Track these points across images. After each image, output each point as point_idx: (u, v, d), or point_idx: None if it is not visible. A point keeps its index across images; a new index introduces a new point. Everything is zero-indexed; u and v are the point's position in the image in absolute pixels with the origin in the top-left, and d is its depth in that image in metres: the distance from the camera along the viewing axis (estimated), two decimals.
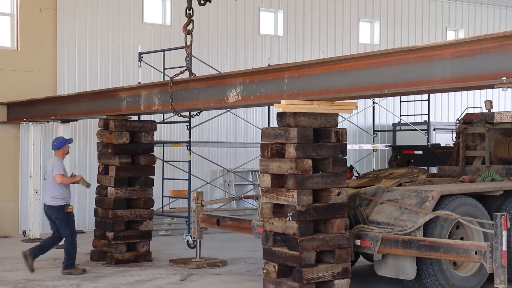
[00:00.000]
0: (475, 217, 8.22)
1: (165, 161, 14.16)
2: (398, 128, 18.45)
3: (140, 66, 13.97)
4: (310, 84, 7.51)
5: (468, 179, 9.74)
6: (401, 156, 14.38)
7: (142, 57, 13.92)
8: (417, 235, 7.80)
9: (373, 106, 17.36)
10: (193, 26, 9.80)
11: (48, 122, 14.11)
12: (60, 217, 9.84)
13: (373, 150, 16.86)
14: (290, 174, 7.55)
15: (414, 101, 18.19)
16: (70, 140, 10.42)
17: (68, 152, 10.48)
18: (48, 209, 9.95)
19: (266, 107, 15.21)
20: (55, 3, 14.90)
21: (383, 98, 16.29)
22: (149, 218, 10.98)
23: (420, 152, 15.03)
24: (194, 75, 9.87)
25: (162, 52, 13.88)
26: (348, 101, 7.98)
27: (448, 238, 8.08)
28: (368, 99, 16.79)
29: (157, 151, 12.87)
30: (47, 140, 14.44)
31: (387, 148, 17.33)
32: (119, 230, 10.68)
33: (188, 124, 13.04)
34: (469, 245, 7.14)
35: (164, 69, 13.55)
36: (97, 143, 11.22)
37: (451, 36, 20.72)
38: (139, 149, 10.97)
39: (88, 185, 10.34)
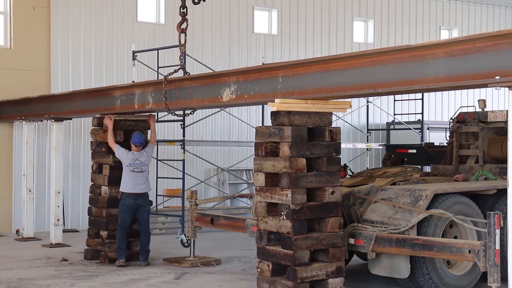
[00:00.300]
0: (468, 216, 8.24)
1: (159, 160, 14.14)
2: (392, 127, 18.49)
3: (134, 64, 13.95)
4: (304, 83, 7.51)
5: (462, 178, 9.76)
6: (395, 155, 14.40)
7: (136, 55, 13.89)
8: (411, 234, 7.82)
9: (367, 105, 17.38)
10: (187, 25, 9.78)
11: (41, 121, 14.08)
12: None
13: (367, 149, 16.89)
14: (284, 173, 7.56)
15: (408, 100, 18.23)
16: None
17: None
18: (143, 199, 10.44)
19: (260, 106, 15.20)
20: (49, 1, 14.87)
21: (377, 97, 16.32)
22: None
23: (414, 151, 15.07)
24: (188, 74, 9.86)
25: (156, 51, 13.87)
26: (342, 100, 7.99)
27: (442, 237, 8.09)
28: (362, 98, 16.81)
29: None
30: (40, 138, 14.41)
31: (381, 147, 17.36)
32: (113, 229, 10.66)
33: (182, 123, 13.03)
34: (462, 243, 7.16)
35: (158, 67, 13.54)
36: (91, 141, 11.19)
37: (444, 35, 20.76)
38: None
39: None
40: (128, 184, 10.32)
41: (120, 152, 10.40)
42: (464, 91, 20.21)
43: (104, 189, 10.77)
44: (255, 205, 8.54)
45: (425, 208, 8.01)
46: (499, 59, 5.81)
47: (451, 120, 11.71)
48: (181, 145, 13.14)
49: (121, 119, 10.75)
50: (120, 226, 10.35)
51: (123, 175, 10.39)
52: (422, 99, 17.20)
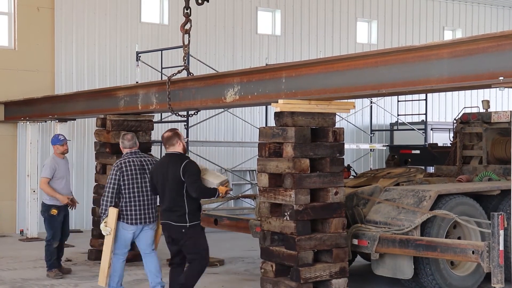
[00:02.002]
0: (472, 217, 8.23)
1: None
2: (395, 127, 18.48)
3: (138, 65, 13.97)
4: (308, 83, 7.52)
5: (466, 178, 9.76)
6: (399, 156, 14.41)
7: (140, 56, 13.92)
8: (415, 235, 7.81)
9: (371, 106, 17.38)
10: (191, 26, 9.79)
11: (45, 121, 14.10)
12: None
13: (371, 149, 16.89)
14: (287, 174, 7.56)
15: (412, 100, 18.21)
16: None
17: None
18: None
19: (264, 107, 15.23)
20: (53, 2, 14.90)
21: (380, 97, 16.31)
22: None
23: (418, 151, 15.07)
24: (191, 74, 9.87)
25: (160, 52, 13.89)
26: (346, 100, 7.99)
27: (446, 237, 8.09)
28: (366, 99, 16.81)
29: (155, 150, 12.89)
30: (44, 139, 14.43)
31: (385, 148, 17.36)
32: None
33: (185, 123, 13.04)
34: (466, 244, 7.15)
35: (162, 68, 13.56)
36: (95, 142, 11.21)
37: (448, 36, 20.75)
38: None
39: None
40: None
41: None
42: (468, 92, 20.19)
43: None
44: (258, 206, 8.54)
45: (429, 208, 8.00)
46: (502, 60, 5.81)
47: (454, 121, 11.70)
48: None
49: (124, 120, 10.76)
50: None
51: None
52: (426, 99, 17.19)
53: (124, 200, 7.85)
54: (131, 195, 7.84)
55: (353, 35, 18.99)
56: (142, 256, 8.23)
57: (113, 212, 7.79)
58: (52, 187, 9.65)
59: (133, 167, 7.92)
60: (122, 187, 7.85)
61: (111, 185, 7.82)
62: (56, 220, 9.73)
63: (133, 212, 7.85)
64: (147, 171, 7.94)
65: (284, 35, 17.81)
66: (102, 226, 7.82)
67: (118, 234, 7.87)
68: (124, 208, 7.86)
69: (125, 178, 7.86)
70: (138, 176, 7.93)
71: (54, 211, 9.64)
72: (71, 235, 13.29)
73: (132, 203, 7.84)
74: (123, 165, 7.92)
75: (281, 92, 7.77)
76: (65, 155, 10.09)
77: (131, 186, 7.86)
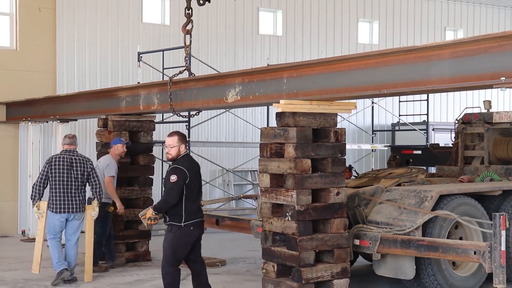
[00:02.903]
0: (474, 217, 8.23)
1: (164, 161, 14.15)
2: (397, 128, 18.47)
3: (139, 66, 13.98)
4: (309, 84, 7.52)
5: (467, 179, 9.75)
6: (400, 156, 14.40)
7: (141, 57, 13.92)
8: (416, 235, 7.80)
9: (372, 106, 17.38)
10: (192, 26, 9.80)
11: (47, 122, 14.11)
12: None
13: (372, 150, 16.88)
14: (289, 174, 7.56)
15: (413, 101, 18.21)
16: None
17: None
18: None
19: (265, 107, 15.23)
20: (54, 3, 14.91)
21: (382, 98, 16.30)
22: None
23: (419, 152, 15.05)
24: (193, 75, 9.87)
25: (161, 52, 13.89)
26: (347, 101, 7.99)
27: (447, 238, 8.08)
28: (367, 99, 16.81)
29: (156, 151, 12.89)
30: (46, 140, 14.44)
31: (386, 148, 17.35)
32: (118, 230, 10.68)
33: (187, 124, 13.05)
34: (468, 245, 7.15)
35: (163, 69, 13.56)
36: (96, 142, 11.22)
37: (450, 36, 20.74)
38: (138, 149, 10.97)
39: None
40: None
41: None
42: (470, 92, 20.20)
43: None
44: (260, 206, 8.54)
45: (430, 209, 8.00)
46: (504, 60, 5.81)
47: (456, 121, 11.70)
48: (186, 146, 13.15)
49: (126, 120, 10.77)
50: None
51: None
52: (427, 100, 17.18)
53: (50, 190, 9.07)
54: (56, 186, 9.02)
55: (354, 36, 18.99)
56: (65, 241, 9.31)
57: (44, 203, 9.11)
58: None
59: (61, 163, 9.11)
60: (50, 179, 9.08)
61: (41, 176, 9.15)
62: (110, 217, 10.15)
63: (58, 202, 9.04)
64: (75, 168, 9.11)
65: (285, 35, 17.81)
66: (34, 209, 9.14)
67: (47, 221, 9.14)
68: (51, 198, 9.08)
69: (52, 171, 9.09)
70: (65, 171, 9.09)
71: (111, 208, 10.08)
72: None
73: (57, 194, 9.04)
74: (52, 160, 9.17)
75: (282, 92, 7.77)
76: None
77: (57, 179, 9.05)
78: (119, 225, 10.70)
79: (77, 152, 9.37)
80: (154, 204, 7.86)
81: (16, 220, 14.49)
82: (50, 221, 9.14)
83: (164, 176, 7.56)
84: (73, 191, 9.07)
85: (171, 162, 7.55)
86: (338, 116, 8.09)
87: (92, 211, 9.25)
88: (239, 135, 16.84)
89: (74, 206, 9.08)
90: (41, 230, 9.25)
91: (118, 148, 10.29)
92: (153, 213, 7.47)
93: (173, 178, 7.26)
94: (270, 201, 7.85)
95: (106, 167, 10.08)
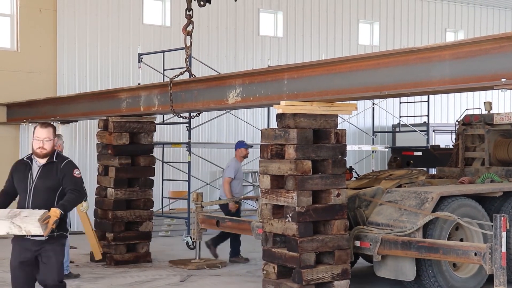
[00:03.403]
0: (474, 219, 8.22)
1: (165, 162, 14.16)
2: (397, 129, 18.46)
3: (140, 67, 13.97)
4: (310, 85, 7.52)
5: (468, 180, 9.75)
6: (401, 158, 14.39)
7: (142, 58, 13.92)
8: (417, 236, 7.80)
9: (373, 107, 17.36)
10: (193, 27, 9.79)
11: None
12: None
13: (373, 151, 16.88)
14: (289, 175, 7.56)
15: (414, 102, 18.19)
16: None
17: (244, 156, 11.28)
18: None
19: (266, 108, 15.21)
20: (55, 4, 14.92)
21: (382, 99, 16.30)
22: (148, 219, 10.98)
23: (420, 153, 15.05)
24: (193, 76, 9.87)
25: (162, 53, 13.89)
26: (348, 102, 7.99)
27: (448, 239, 8.08)
28: (368, 100, 16.80)
29: (157, 152, 12.89)
30: None
31: (387, 150, 17.34)
32: (119, 231, 10.68)
33: (187, 125, 13.04)
34: (468, 246, 7.15)
35: (164, 70, 13.55)
36: (97, 144, 11.22)
37: (450, 38, 20.73)
38: (139, 150, 10.97)
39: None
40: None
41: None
42: (470, 94, 20.16)
43: (110, 191, 10.79)
44: (260, 207, 8.54)
45: (431, 210, 8.00)
46: (505, 61, 5.81)
47: (457, 123, 11.69)
48: (186, 147, 13.15)
49: (126, 121, 10.77)
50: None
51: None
52: (428, 101, 17.17)
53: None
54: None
55: (355, 37, 18.99)
56: None
57: None
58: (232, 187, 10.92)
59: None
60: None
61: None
62: (240, 214, 11.08)
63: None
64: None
65: (286, 36, 17.81)
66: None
67: None
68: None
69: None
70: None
71: (236, 206, 10.83)
72: (73, 236, 13.31)
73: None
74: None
75: (283, 93, 7.77)
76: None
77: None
78: (120, 227, 10.70)
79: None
80: (62, 202, 6.43)
81: None
82: None
83: (65, 170, 6.54)
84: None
85: (46, 158, 6.58)
86: (338, 117, 8.09)
87: (81, 206, 9.75)
88: (239, 136, 16.80)
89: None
90: (87, 223, 10.16)
91: (242, 152, 11.21)
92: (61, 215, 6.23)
93: (78, 172, 6.53)
94: (270, 202, 7.85)
95: (227, 168, 11.10)
